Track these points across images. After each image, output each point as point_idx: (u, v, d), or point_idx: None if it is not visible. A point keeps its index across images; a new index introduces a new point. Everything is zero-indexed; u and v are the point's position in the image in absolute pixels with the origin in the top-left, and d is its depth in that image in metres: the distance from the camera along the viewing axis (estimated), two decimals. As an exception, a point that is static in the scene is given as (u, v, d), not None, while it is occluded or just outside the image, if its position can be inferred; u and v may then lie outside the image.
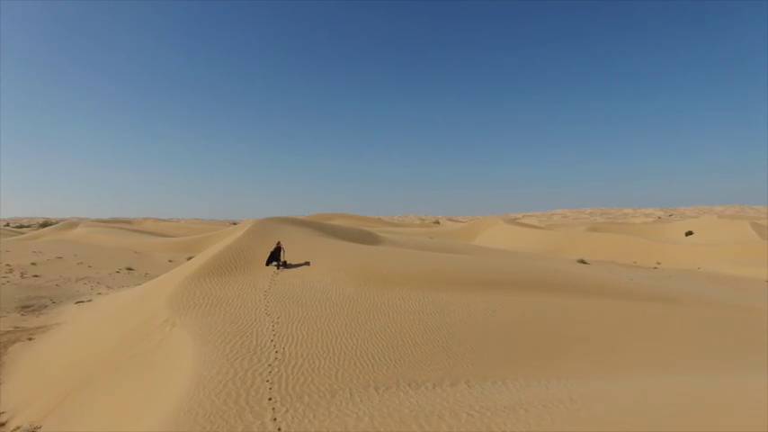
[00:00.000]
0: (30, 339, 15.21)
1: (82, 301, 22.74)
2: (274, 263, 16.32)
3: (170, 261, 41.90)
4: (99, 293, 26.60)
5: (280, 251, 16.59)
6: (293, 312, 11.57)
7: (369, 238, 26.69)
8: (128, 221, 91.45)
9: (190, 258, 32.61)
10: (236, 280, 14.20)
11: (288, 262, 16.68)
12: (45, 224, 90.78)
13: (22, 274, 31.25)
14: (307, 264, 16.72)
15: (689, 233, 66.53)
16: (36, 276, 30.86)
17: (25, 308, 21.29)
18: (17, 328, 17.29)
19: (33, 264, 35.13)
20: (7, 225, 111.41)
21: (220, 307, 11.78)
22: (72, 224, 61.07)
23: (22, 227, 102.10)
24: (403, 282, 14.91)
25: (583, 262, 36.13)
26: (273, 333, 10.08)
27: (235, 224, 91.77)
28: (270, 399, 7.15)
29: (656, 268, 38.54)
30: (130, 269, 37.74)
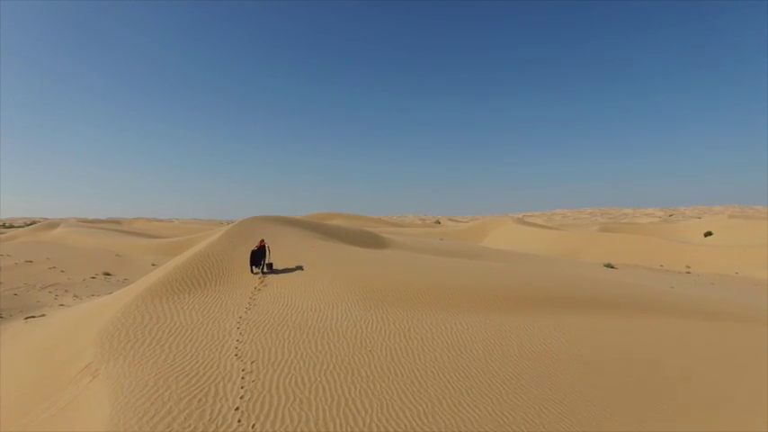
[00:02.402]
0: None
1: (33, 317, 19.11)
2: (256, 268, 12.86)
3: (153, 265, 38.26)
4: (62, 305, 22.97)
5: (264, 251, 13.12)
6: (276, 352, 8.00)
7: (374, 241, 23.12)
8: (117, 221, 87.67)
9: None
10: (203, 299, 10.60)
11: (274, 265, 13.24)
12: (31, 224, 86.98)
13: (-20, 280, 27.58)
14: (299, 268, 13.24)
15: (708, 234, 63.10)
16: (-5, 283, 27.19)
17: (-39, 325, 17.64)
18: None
19: (-3, 268, 31.45)
20: (3, 225, 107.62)
21: (172, 344, 8.19)
22: (52, 224, 57.27)
23: (12, 227, 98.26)
24: (428, 299, 11.34)
25: (609, 266, 32.60)
26: (242, 395, 6.49)
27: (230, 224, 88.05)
28: None
29: (688, 273, 35.02)
30: (108, 274, 34.13)
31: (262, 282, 11.87)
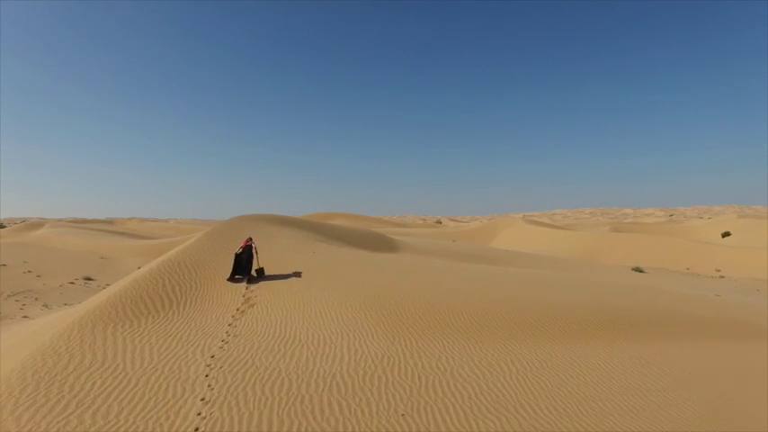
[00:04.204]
0: None
1: (-17, 333, 16.22)
2: (240, 275, 10.18)
3: (140, 268, 35.41)
4: (25, 317, 20.08)
5: (251, 252, 10.43)
6: (261, 422, 5.17)
7: (383, 244, 20.28)
8: (111, 221, 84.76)
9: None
10: (164, 327, 7.75)
11: (265, 270, 10.56)
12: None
13: (-59, 287, 24.72)
14: (296, 276, 10.50)
15: (726, 234, 60.37)
16: (-42, 291, 24.32)
17: None
18: None
19: (-35, 273, 28.58)
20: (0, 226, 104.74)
21: (100, 408, 5.35)
22: (36, 224, 54.32)
23: (2, 227, 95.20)
24: (467, 323, 8.51)
25: (638, 270, 29.81)
26: None
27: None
28: None
29: (722, 277, 32.24)
30: (89, 279, 31.25)
31: (247, 300, 9.01)
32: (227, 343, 7.26)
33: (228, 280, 10.04)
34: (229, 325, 7.94)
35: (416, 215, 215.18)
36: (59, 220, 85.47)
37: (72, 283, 29.76)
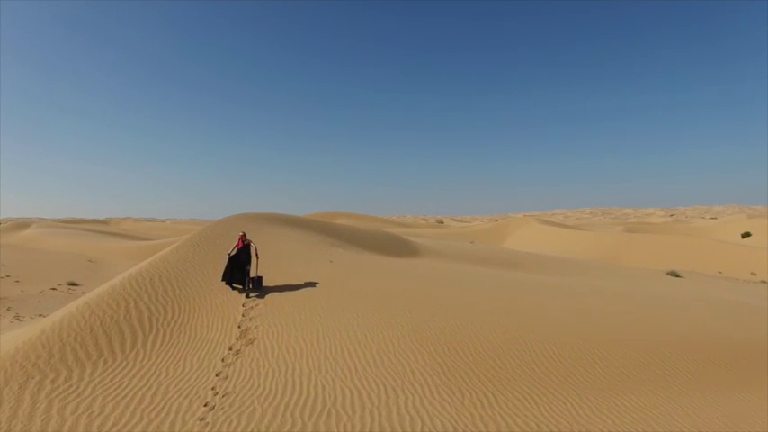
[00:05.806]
0: None
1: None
2: (237, 284, 7.72)
3: (130, 272, 32.80)
4: (-10, 331, 17.46)
5: (249, 252, 7.93)
6: None
7: (401, 247, 17.69)
8: (105, 222, 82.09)
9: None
10: (119, 379, 5.16)
11: (263, 281, 8.03)
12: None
13: None
14: (310, 291, 7.93)
15: (746, 234, 57.88)
16: None
17: None
18: None
19: (-65, 279, 25.95)
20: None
21: None
22: (23, 224, 51.63)
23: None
24: (567, 369, 5.93)
25: (674, 274, 27.25)
26: None
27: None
28: None
29: (763, 281, 29.72)
30: (73, 284, 28.56)
31: (244, 333, 6.40)
32: (212, 409, 4.67)
33: (223, 281, 7.71)
34: (218, 375, 5.34)
35: (416, 215, 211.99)
36: (56, 221, 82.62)
37: (54, 289, 27.08)
